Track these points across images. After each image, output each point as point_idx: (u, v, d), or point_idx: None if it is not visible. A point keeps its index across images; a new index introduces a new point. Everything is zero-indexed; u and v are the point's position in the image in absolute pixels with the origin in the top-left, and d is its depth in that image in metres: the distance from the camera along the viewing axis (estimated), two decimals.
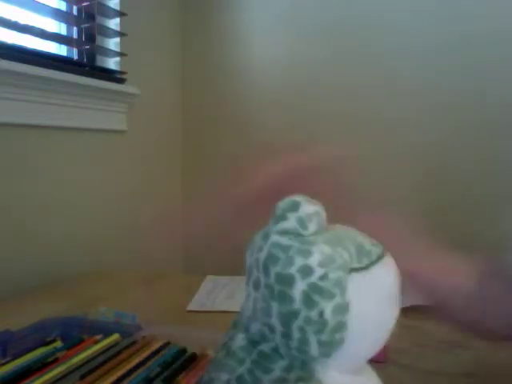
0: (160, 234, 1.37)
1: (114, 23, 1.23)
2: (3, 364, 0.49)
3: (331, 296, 0.25)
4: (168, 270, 1.44)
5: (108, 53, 1.22)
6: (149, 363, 0.50)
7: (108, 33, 1.22)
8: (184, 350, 0.53)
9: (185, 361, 0.51)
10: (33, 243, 0.98)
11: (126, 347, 0.53)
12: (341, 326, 0.26)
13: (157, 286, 0.94)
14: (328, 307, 0.25)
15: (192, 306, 0.78)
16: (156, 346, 0.54)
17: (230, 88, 1.45)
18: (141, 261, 1.30)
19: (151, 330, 0.58)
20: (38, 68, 0.94)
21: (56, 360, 0.50)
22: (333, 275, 0.26)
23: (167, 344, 0.55)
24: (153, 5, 1.37)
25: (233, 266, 1.46)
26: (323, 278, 0.26)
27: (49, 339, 0.56)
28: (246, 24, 1.41)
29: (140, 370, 0.48)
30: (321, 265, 0.26)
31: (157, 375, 0.47)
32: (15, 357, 0.50)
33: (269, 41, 1.39)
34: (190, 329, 0.62)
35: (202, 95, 1.49)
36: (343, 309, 0.26)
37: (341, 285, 0.26)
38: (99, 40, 1.23)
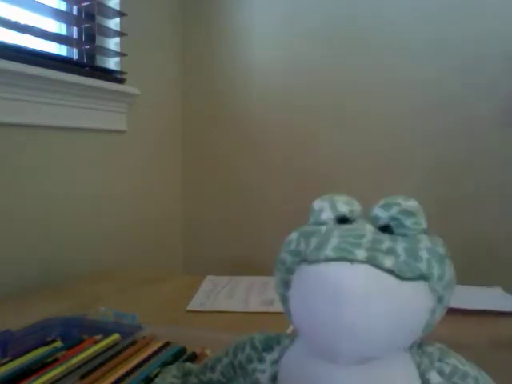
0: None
1: (113, 23, 1.24)
2: (3, 364, 0.49)
3: (278, 270, 0.32)
4: (168, 270, 1.44)
5: (108, 53, 1.22)
6: (149, 363, 0.50)
7: (108, 33, 1.22)
8: (184, 350, 0.53)
9: (185, 361, 0.51)
10: (33, 243, 0.98)
11: (126, 347, 0.53)
12: (285, 299, 0.31)
13: (157, 286, 0.94)
14: (277, 277, 0.33)
15: (192, 306, 0.78)
16: (156, 346, 0.54)
17: (230, 88, 1.45)
18: (141, 261, 1.30)
19: (151, 330, 0.58)
20: (38, 68, 0.94)
21: (56, 360, 0.50)
22: (281, 255, 0.32)
23: (167, 344, 0.55)
24: (153, 5, 1.37)
25: (233, 266, 1.46)
26: (279, 254, 0.33)
27: (49, 339, 0.57)
28: (246, 24, 1.41)
29: (140, 370, 0.48)
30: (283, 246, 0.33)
31: (157, 375, 0.47)
32: (15, 357, 0.51)
33: (269, 41, 1.39)
34: (189, 329, 0.62)
35: (201, 95, 1.49)
36: (284, 283, 0.31)
37: (285, 264, 0.31)
38: (99, 40, 1.23)
